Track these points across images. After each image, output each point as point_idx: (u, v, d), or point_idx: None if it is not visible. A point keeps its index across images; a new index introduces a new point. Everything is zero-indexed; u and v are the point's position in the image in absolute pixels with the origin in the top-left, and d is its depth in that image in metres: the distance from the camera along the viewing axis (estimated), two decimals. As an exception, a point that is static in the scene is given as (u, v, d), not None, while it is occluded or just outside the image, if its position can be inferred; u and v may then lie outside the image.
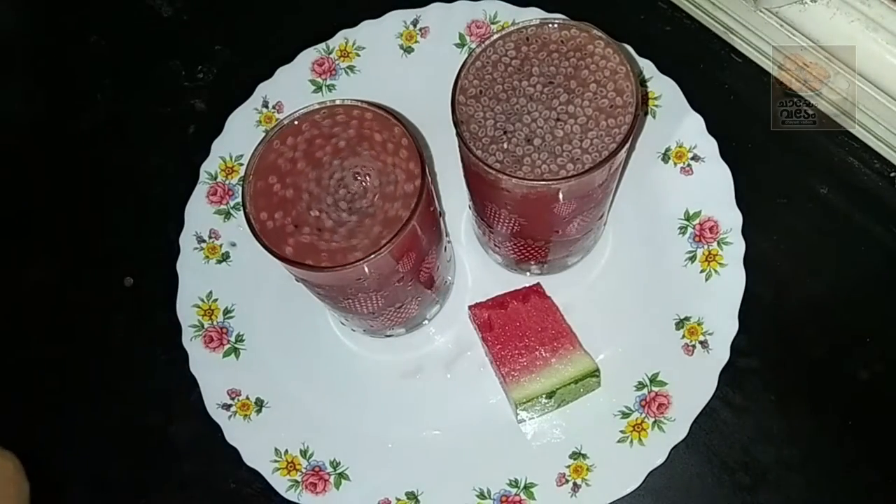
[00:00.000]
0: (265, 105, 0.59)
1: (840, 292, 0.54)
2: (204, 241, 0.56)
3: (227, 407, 0.52)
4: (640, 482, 0.48)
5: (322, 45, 0.60)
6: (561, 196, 0.42)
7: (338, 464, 0.51)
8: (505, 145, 0.41)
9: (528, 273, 0.55)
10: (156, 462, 0.54)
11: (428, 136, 0.54)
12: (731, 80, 0.59)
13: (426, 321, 0.54)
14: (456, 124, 0.41)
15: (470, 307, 0.53)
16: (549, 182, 0.40)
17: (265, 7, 0.67)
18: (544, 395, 0.48)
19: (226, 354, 0.54)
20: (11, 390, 0.58)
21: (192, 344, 0.54)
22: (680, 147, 0.55)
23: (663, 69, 0.56)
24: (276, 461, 0.51)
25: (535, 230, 0.47)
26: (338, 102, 0.42)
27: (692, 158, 0.55)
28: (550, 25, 0.43)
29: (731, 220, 0.53)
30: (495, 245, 0.53)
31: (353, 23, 0.60)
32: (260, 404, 0.52)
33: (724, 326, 0.51)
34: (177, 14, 0.67)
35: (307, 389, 0.53)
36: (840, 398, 0.52)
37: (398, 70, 0.59)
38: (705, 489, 0.50)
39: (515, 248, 0.51)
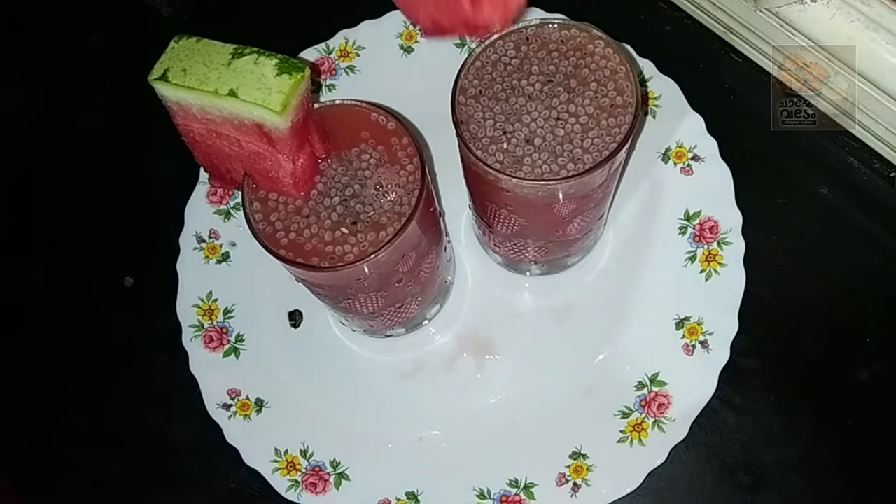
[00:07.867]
0: (265, 105, 0.59)
1: (840, 292, 0.54)
2: (204, 241, 0.56)
3: (227, 407, 0.52)
4: (640, 482, 0.48)
5: (322, 45, 0.60)
6: (561, 196, 0.42)
7: (338, 464, 0.51)
8: (505, 145, 0.41)
9: (528, 273, 0.55)
10: (156, 462, 0.54)
11: (428, 136, 0.54)
12: (731, 80, 0.59)
13: (426, 321, 0.54)
14: (456, 124, 0.41)
15: None
16: (549, 182, 0.40)
17: (265, 7, 0.67)
18: None
19: (226, 354, 0.54)
20: (12, 390, 0.58)
21: (192, 344, 0.54)
22: (680, 147, 0.55)
23: (663, 69, 0.56)
24: (276, 461, 0.51)
25: (535, 230, 0.47)
26: (338, 102, 0.42)
27: (692, 158, 0.55)
28: (550, 25, 0.43)
29: (731, 220, 0.53)
30: (495, 245, 0.53)
31: (353, 23, 0.60)
32: (260, 404, 0.52)
33: (723, 326, 0.51)
34: (177, 14, 0.67)
35: (307, 389, 0.53)
36: (840, 398, 0.51)
37: (398, 70, 0.59)
38: (705, 489, 0.50)
39: (515, 248, 0.51)
